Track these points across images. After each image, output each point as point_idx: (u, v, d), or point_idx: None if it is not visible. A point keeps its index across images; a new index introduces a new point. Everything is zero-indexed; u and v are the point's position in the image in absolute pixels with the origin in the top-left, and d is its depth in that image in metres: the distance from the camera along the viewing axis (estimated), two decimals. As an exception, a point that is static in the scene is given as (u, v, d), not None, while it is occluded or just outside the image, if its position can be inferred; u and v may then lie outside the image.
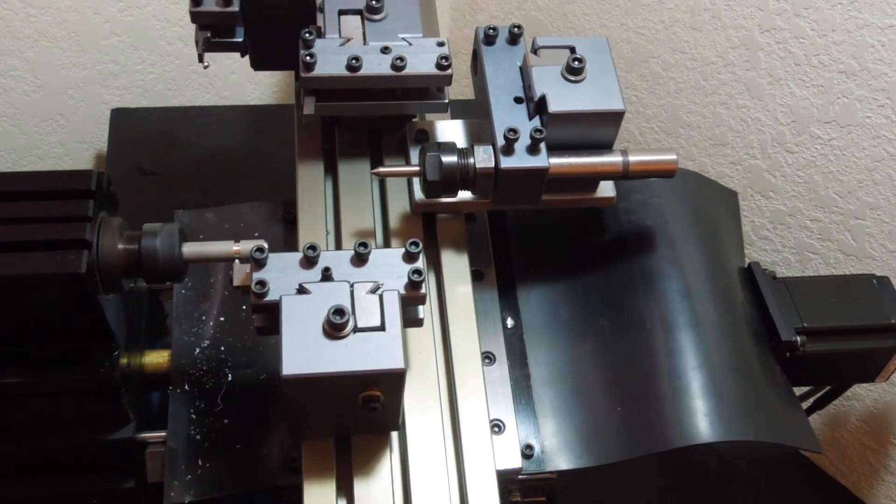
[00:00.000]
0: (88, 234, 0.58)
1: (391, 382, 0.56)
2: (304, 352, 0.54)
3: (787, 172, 1.04)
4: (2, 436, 0.66)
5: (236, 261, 0.60)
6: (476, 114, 0.74)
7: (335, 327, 0.54)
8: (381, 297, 0.57)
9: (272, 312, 0.57)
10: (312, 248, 0.58)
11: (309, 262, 0.58)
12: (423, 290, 0.58)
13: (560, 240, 0.79)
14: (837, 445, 1.10)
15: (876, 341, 0.80)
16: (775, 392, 0.74)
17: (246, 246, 0.62)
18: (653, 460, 0.68)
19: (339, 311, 0.55)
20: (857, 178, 0.97)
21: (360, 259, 0.59)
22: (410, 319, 0.60)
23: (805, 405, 0.90)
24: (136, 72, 1.19)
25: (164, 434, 0.68)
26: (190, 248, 0.62)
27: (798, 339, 0.78)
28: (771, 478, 1.07)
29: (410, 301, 0.59)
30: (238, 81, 1.25)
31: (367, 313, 0.56)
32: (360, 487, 0.59)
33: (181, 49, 1.19)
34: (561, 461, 0.68)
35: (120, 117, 1.14)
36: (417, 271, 0.58)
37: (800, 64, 0.97)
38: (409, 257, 0.59)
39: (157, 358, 0.72)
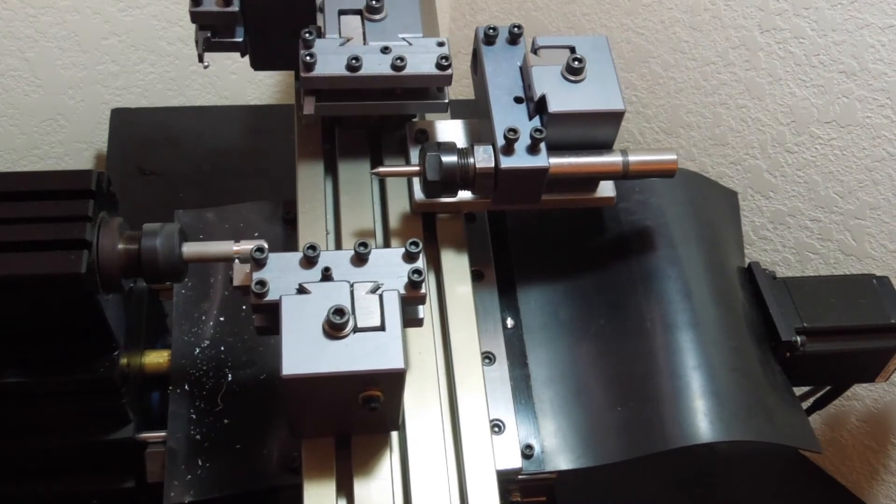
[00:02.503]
0: (88, 234, 0.58)
1: (391, 382, 0.56)
2: (304, 352, 0.54)
3: (787, 172, 1.04)
4: (2, 436, 0.66)
5: (236, 261, 0.60)
6: (475, 114, 0.74)
7: (335, 327, 0.54)
8: (381, 296, 0.57)
9: (272, 312, 0.57)
10: (312, 247, 0.58)
11: (309, 261, 0.58)
12: (423, 290, 0.58)
13: (560, 240, 0.79)
14: (837, 445, 1.10)
15: (876, 341, 0.80)
16: (775, 392, 0.74)
17: (246, 246, 0.62)
18: (652, 460, 0.68)
19: (339, 311, 0.55)
20: (857, 178, 0.97)
21: (360, 259, 0.59)
22: (410, 319, 0.60)
23: (805, 405, 0.90)
24: (136, 72, 1.19)
25: (164, 434, 0.68)
26: (190, 248, 0.62)
27: (798, 339, 0.78)
28: (771, 478, 1.07)
29: (410, 301, 0.59)
30: (238, 81, 1.25)
31: (367, 313, 0.56)
32: (360, 487, 0.59)
33: (181, 49, 1.19)
34: (561, 461, 0.68)
35: (120, 117, 1.14)
36: (417, 271, 0.58)
37: (800, 64, 0.97)
38: (409, 257, 0.59)
39: (157, 358, 0.72)
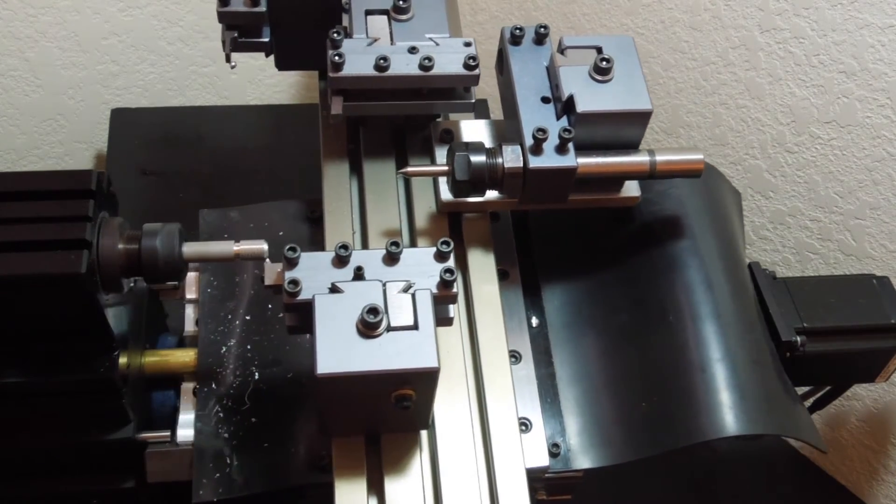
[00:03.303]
0: (88, 234, 0.58)
1: (425, 381, 0.56)
2: (338, 351, 0.54)
3: (787, 172, 1.04)
4: (2, 436, 0.66)
5: (267, 260, 0.60)
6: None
7: (369, 326, 0.54)
8: (413, 296, 0.56)
9: (305, 311, 0.57)
10: (344, 247, 0.58)
11: (341, 261, 0.58)
12: (454, 290, 0.58)
13: (581, 235, 0.78)
14: (837, 445, 1.10)
15: (876, 341, 0.80)
16: (787, 387, 0.74)
17: (247, 246, 0.62)
18: (654, 460, 0.68)
19: (373, 310, 0.54)
20: (857, 178, 0.97)
21: (391, 258, 0.59)
22: (441, 318, 0.59)
23: (805, 405, 0.90)
24: (136, 72, 1.19)
25: (164, 434, 0.68)
26: (190, 248, 0.62)
27: (798, 339, 0.78)
28: (771, 478, 1.07)
29: (442, 300, 0.58)
30: (238, 81, 1.25)
31: (399, 312, 0.56)
32: (391, 485, 0.59)
33: (181, 49, 1.19)
34: (587, 459, 0.68)
35: (120, 117, 1.14)
36: (449, 270, 0.58)
37: (800, 64, 0.97)
38: (441, 256, 0.59)
39: (183, 357, 0.71)
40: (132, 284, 0.66)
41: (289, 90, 1.27)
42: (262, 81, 1.26)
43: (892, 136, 0.93)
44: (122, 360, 0.63)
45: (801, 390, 0.88)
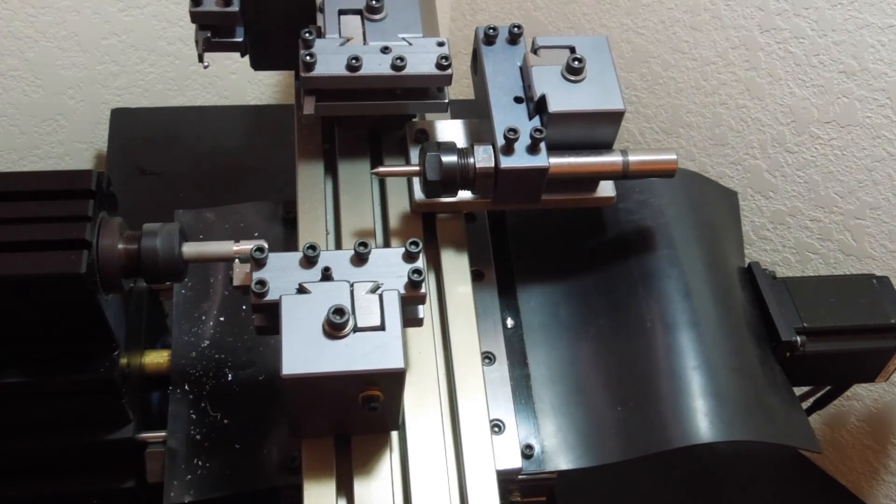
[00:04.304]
0: (88, 234, 0.58)
1: (391, 382, 0.56)
2: (304, 351, 0.54)
3: (787, 172, 1.04)
4: (2, 436, 0.66)
5: (236, 260, 0.60)
6: (475, 113, 0.74)
7: (335, 327, 0.54)
8: (381, 296, 0.57)
9: (272, 312, 0.57)
10: (312, 247, 0.58)
11: (309, 261, 0.58)
12: (423, 290, 0.58)
13: (560, 240, 0.79)
14: (837, 445, 1.10)
15: (876, 341, 0.80)
16: (775, 392, 0.74)
17: (246, 246, 0.62)
18: (652, 460, 0.68)
19: (339, 311, 0.55)
20: (857, 178, 0.97)
21: (359, 259, 0.59)
22: (410, 319, 0.60)
23: (805, 405, 0.90)
24: (136, 72, 1.19)
25: (164, 434, 0.68)
26: (190, 248, 0.62)
27: (798, 339, 0.78)
28: (771, 478, 1.07)
29: (410, 301, 0.59)
30: (238, 81, 1.25)
31: (367, 313, 0.56)
32: (361, 487, 0.59)
33: (181, 49, 1.19)
34: (561, 461, 0.68)
35: (120, 117, 1.14)
36: (417, 271, 0.58)
37: (800, 64, 0.97)
38: (409, 257, 0.59)
39: (156, 358, 0.72)
40: (132, 284, 0.66)
41: (288, 90, 1.27)
42: (262, 81, 1.26)
43: (892, 136, 0.93)
44: (122, 360, 0.63)
45: (801, 390, 0.88)
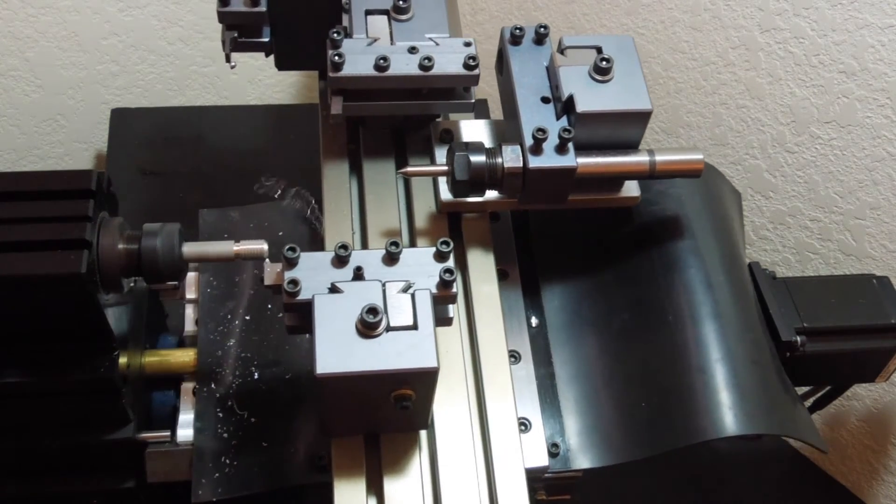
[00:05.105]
0: (88, 234, 0.58)
1: (424, 381, 0.56)
2: (337, 351, 0.54)
3: (787, 172, 1.04)
4: (2, 436, 0.66)
5: (267, 260, 0.60)
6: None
7: (368, 326, 0.54)
8: (412, 296, 0.57)
9: (304, 311, 0.57)
10: (344, 247, 0.58)
11: (340, 261, 0.58)
12: (454, 290, 0.58)
13: (581, 235, 0.78)
14: (837, 445, 1.10)
15: (876, 341, 0.80)
16: (788, 387, 0.74)
17: (246, 246, 0.62)
18: (653, 460, 0.68)
19: (372, 310, 0.54)
20: (857, 178, 0.97)
21: (391, 258, 0.59)
22: (441, 318, 0.59)
23: (805, 405, 0.90)
24: (136, 72, 1.19)
25: (164, 434, 0.68)
26: (190, 248, 0.62)
27: (798, 339, 0.78)
28: (771, 478, 1.07)
29: (441, 300, 0.58)
30: (238, 81, 1.25)
31: (399, 312, 0.56)
32: (390, 485, 0.59)
33: (181, 49, 1.19)
34: (586, 459, 0.68)
35: (120, 117, 1.14)
36: (449, 270, 0.58)
37: (800, 64, 0.97)
38: (440, 256, 0.59)
39: (183, 357, 0.71)
40: (132, 284, 0.66)
41: (289, 90, 1.27)
42: (262, 81, 1.26)
43: (892, 136, 0.93)
44: (122, 360, 0.63)
45: (801, 390, 0.88)
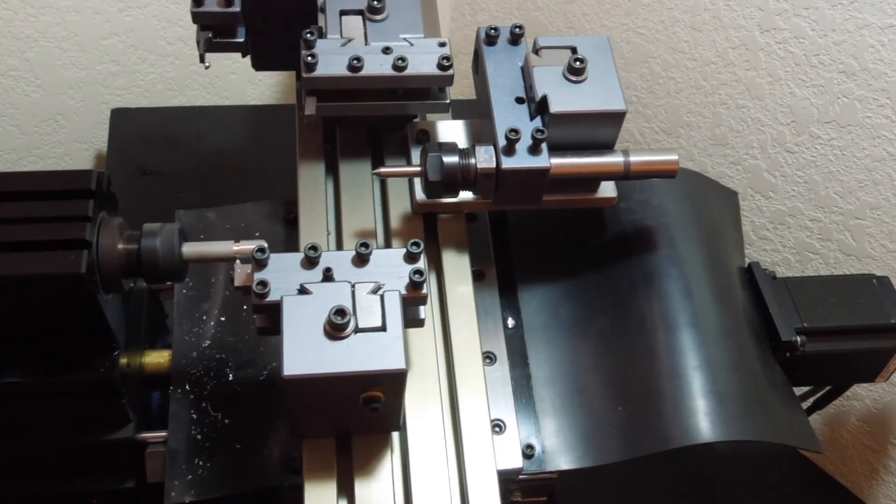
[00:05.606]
0: (88, 234, 0.58)
1: (392, 383, 0.56)
2: (305, 352, 0.54)
3: (787, 172, 1.04)
4: (2, 436, 0.66)
5: (237, 261, 0.60)
6: (476, 114, 0.74)
7: (336, 327, 0.54)
8: (382, 297, 0.57)
9: (273, 313, 0.57)
10: (314, 248, 0.58)
11: (310, 262, 0.58)
12: (424, 291, 0.58)
13: (561, 239, 0.79)
14: (837, 445, 1.10)
15: (876, 341, 0.80)
16: (776, 392, 0.74)
17: (246, 246, 0.62)
18: (653, 460, 0.68)
19: (340, 312, 0.55)
20: (857, 178, 0.97)
21: (361, 259, 0.59)
22: (412, 320, 0.60)
23: (805, 405, 0.90)
24: (136, 72, 1.19)
25: (164, 434, 0.68)
26: (190, 248, 0.62)
27: (798, 339, 0.78)
28: (771, 478, 1.07)
29: (412, 301, 0.58)
30: (238, 81, 1.25)
31: (368, 313, 0.56)
32: (361, 487, 0.60)
33: (181, 49, 1.19)
34: (561, 461, 0.68)
35: (120, 117, 1.14)
36: (419, 271, 0.58)
37: (800, 64, 0.97)
38: (411, 257, 0.59)
39: (157, 358, 0.72)
40: (132, 284, 0.66)
41: (289, 90, 1.27)
42: (262, 81, 1.26)
43: (892, 136, 0.93)
44: (122, 360, 0.63)
45: (801, 390, 0.88)
